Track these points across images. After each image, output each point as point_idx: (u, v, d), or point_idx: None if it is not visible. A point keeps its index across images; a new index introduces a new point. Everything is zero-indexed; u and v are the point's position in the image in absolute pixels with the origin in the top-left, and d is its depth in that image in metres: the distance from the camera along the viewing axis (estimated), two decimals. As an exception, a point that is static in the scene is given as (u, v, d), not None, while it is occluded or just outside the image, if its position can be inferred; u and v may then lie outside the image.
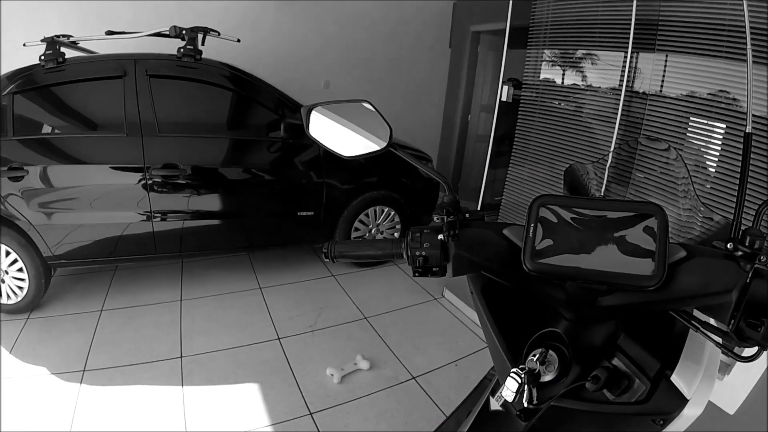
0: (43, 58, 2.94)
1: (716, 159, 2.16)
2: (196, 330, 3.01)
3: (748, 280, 0.59)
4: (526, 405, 0.69)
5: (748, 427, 1.89)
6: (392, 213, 4.08)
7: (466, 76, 5.88)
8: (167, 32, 3.15)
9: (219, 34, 3.33)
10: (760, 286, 0.58)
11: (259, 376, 2.63)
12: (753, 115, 0.78)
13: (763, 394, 1.86)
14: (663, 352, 0.70)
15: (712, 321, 0.65)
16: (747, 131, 0.70)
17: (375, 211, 3.99)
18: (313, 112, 0.83)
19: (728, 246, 0.63)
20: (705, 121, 2.17)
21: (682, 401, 0.66)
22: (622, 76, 2.54)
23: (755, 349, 0.61)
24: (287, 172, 3.56)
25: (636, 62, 2.50)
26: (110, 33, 3.21)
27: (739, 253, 0.61)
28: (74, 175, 3.01)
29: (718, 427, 1.95)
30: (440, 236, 0.75)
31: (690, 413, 0.66)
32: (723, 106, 2.09)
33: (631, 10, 2.44)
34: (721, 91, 2.10)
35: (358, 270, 4.09)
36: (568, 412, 0.70)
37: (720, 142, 2.16)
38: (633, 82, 2.53)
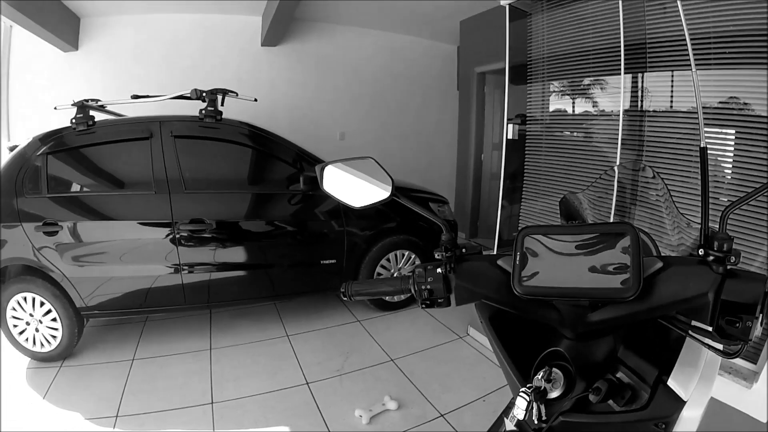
0: (74, 121, 3.15)
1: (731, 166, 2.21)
2: (225, 377, 3.05)
3: (721, 281, 0.64)
4: (536, 421, 0.73)
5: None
6: (413, 256, 4.13)
7: (476, 116, 6.02)
8: (189, 95, 3.34)
9: (237, 95, 3.51)
10: (733, 285, 0.63)
11: (289, 419, 2.65)
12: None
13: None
14: (660, 360, 0.74)
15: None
16: (702, 146, 0.75)
17: (396, 255, 4.05)
18: (326, 169, 0.92)
19: (700, 252, 0.68)
20: (717, 130, 2.23)
21: (679, 403, 0.69)
22: (619, 97, 2.64)
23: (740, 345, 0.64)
24: (309, 222, 3.69)
25: (642, 83, 2.59)
26: (136, 97, 3.42)
27: (711, 257, 0.66)
28: (105, 231, 3.16)
29: None
30: (438, 270, 0.83)
31: (690, 414, 0.69)
32: (735, 112, 2.15)
33: (620, 35, 2.56)
34: (731, 97, 2.16)
35: (383, 313, 4.13)
36: (578, 426, 0.74)
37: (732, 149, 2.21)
38: (640, 102, 2.60)
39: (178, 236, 3.23)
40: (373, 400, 2.80)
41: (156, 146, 3.23)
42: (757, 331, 0.62)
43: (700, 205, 0.73)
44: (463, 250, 0.85)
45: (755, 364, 2.03)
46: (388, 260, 4.03)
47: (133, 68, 4.99)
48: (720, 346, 0.67)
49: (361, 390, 2.95)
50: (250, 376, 3.07)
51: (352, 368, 3.21)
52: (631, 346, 0.78)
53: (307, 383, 3.01)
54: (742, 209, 1.95)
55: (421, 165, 6.83)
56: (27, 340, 3.15)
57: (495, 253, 0.85)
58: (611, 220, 1.06)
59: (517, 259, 0.73)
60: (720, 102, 2.19)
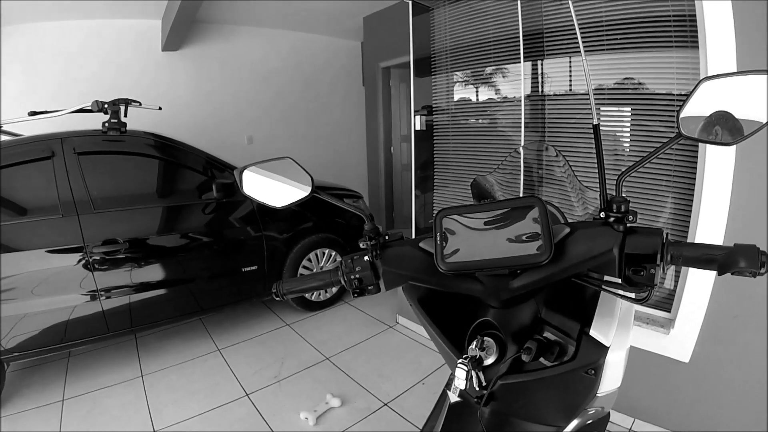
0: None
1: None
2: (163, 402, 2.92)
3: (623, 238, 0.73)
4: (477, 388, 0.79)
5: (705, 368, 2.15)
6: (333, 253, 4.18)
7: (383, 110, 6.10)
8: (90, 107, 3.13)
9: (140, 104, 3.35)
10: (634, 240, 0.72)
11: (236, 434, 2.61)
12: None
13: (708, 339, 2.12)
14: (580, 315, 0.82)
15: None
16: (595, 123, 0.82)
17: (317, 254, 4.07)
18: (245, 173, 0.92)
19: (601, 215, 0.77)
20: (615, 109, 2.45)
21: (603, 349, 0.77)
22: (520, 84, 2.81)
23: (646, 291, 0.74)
24: (225, 230, 3.60)
25: (541, 69, 2.76)
26: (33, 113, 3.15)
27: (611, 218, 0.75)
28: (11, 264, 2.84)
29: (679, 375, 2.21)
30: (366, 258, 0.88)
31: (614, 358, 0.77)
32: (630, 91, 2.38)
33: (518, 25, 2.74)
34: (626, 78, 2.38)
35: (310, 314, 4.15)
36: (517, 386, 0.80)
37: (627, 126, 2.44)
38: (540, 87, 2.78)
39: (91, 260, 3.01)
40: (316, 401, 2.83)
41: (59, 165, 2.97)
42: (662, 275, 0.72)
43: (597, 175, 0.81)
44: (386, 237, 0.90)
45: (669, 312, 2.29)
46: (310, 260, 4.04)
47: (26, 82, 4.57)
48: (631, 294, 0.75)
49: (302, 392, 2.96)
50: (187, 397, 2.96)
51: (289, 372, 3.21)
52: (552, 306, 0.85)
53: (247, 394, 2.97)
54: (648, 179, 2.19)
55: (333, 161, 6.86)
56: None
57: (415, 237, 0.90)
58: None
59: (438, 238, 0.77)
60: (615, 83, 2.41)
